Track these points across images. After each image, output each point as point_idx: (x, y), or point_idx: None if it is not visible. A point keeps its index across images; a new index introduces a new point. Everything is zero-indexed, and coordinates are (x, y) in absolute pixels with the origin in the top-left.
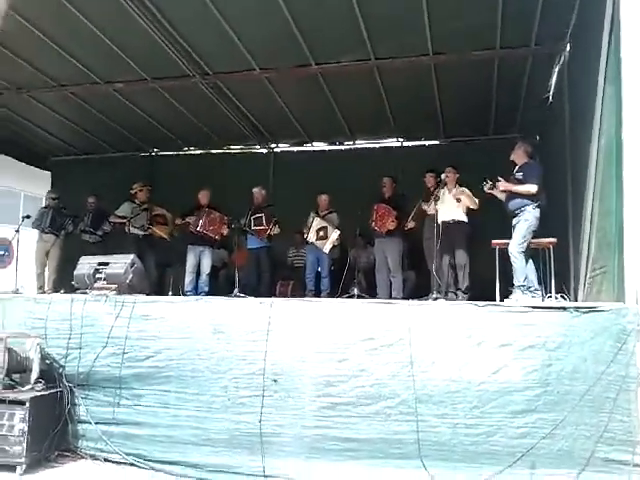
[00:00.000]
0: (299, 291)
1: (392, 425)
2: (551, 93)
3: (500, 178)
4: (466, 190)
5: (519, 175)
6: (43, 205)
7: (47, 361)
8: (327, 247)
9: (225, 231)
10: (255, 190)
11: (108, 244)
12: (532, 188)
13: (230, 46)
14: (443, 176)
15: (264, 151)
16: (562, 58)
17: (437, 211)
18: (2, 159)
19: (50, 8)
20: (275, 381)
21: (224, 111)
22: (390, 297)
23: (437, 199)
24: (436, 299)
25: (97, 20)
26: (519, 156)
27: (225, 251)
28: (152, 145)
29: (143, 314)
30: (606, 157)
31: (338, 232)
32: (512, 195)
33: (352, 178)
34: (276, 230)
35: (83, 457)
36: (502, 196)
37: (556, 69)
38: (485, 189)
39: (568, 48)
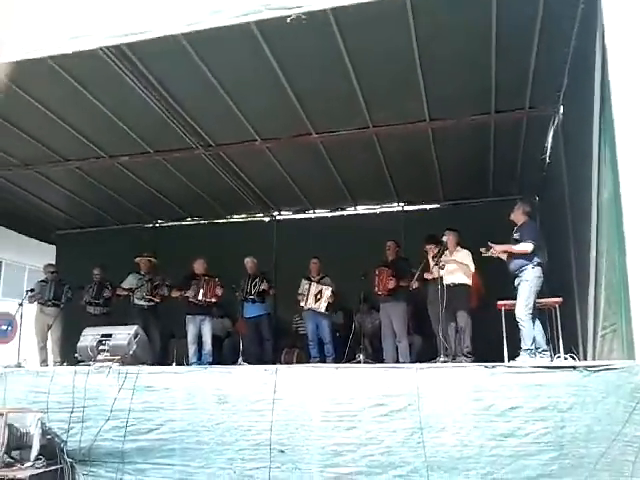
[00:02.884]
0: (304, 359)
1: None
2: (548, 154)
3: (490, 244)
4: (462, 253)
5: (517, 235)
6: (41, 279)
7: (48, 436)
8: (322, 306)
9: (219, 291)
10: (247, 260)
11: (112, 316)
12: (527, 247)
13: (232, 118)
14: (445, 239)
15: (267, 219)
16: (556, 119)
17: (441, 276)
18: (6, 232)
19: (54, 84)
20: (282, 452)
21: (227, 181)
22: (397, 362)
23: (443, 267)
24: (445, 362)
25: (102, 96)
26: (518, 216)
27: (229, 320)
28: (156, 216)
29: (147, 385)
30: (607, 212)
31: (330, 288)
32: (511, 256)
33: (355, 244)
34: (264, 286)
35: None
36: (504, 255)
37: (551, 130)
38: (485, 254)
39: (562, 110)
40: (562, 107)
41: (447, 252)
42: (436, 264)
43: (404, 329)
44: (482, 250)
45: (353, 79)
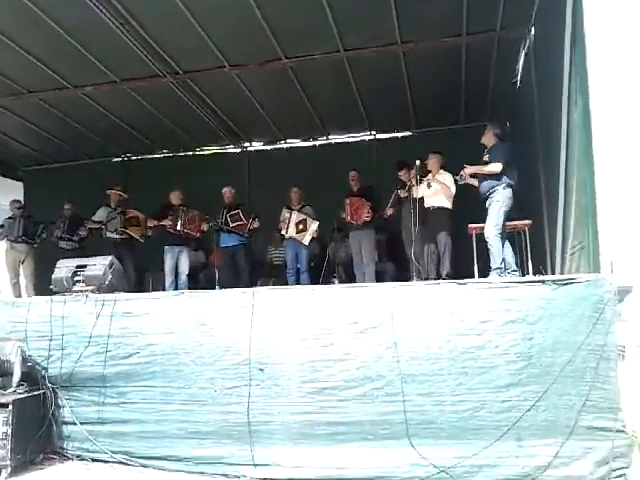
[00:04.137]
0: None
1: (379, 407)
2: (519, 77)
3: (465, 165)
4: (444, 175)
5: (487, 157)
6: (9, 215)
7: (29, 364)
8: (307, 239)
9: (205, 227)
10: (225, 189)
11: (85, 250)
12: (496, 167)
13: (199, 43)
14: (418, 162)
15: (238, 151)
16: (528, 41)
17: (423, 195)
18: None
19: (14, 11)
20: (261, 370)
21: (196, 111)
22: None
23: (430, 186)
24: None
25: (63, 22)
26: (488, 139)
27: (202, 252)
28: (125, 150)
29: (125, 311)
30: (577, 133)
31: (317, 223)
32: (482, 178)
33: (327, 173)
34: (256, 224)
35: (70, 458)
36: (475, 182)
37: (522, 53)
38: (460, 182)
39: (533, 31)
40: (533, 28)
41: (430, 175)
42: (420, 182)
43: (372, 255)
44: (456, 178)
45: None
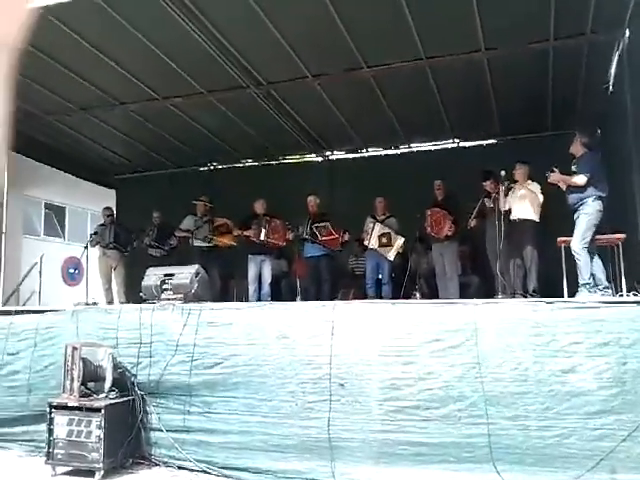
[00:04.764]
0: (361, 299)
1: (462, 428)
2: (611, 83)
3: (554, 169)
4: (532, 185)
5: (574, 167)
6: (100, 222)
7: (119, 370)
8: (392, 254)
9: (291, 236)
10: (310, 198)
11: (173, 258)
12: (580, 180)
13: (281, 54)
14: (503, 173)
15: (320, 159)
16: (621, 45)
17: (511, 206)
18: (69, 179)
19: (107, 27)
20: (342, 385)
21: (279, 121)
22: None
23: (509, 191)
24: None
25: (152, 35)
26: (576, 148)
27: (284, 261)
28: (210, 159)
29: (210, 321)
30: None
31: (403, 239)
32: (571, 189)
33: (409, 182)
34: (346, 237)
35: (157, 464)
36: (564, 186)
37: (615, 57)
38: (549, 180)
39: (627, 34)
40: (628, 31)
41: (517, 185)
42: (506, 193)
43: (455, 268)
44: (547, 174)
45: (404, 7)
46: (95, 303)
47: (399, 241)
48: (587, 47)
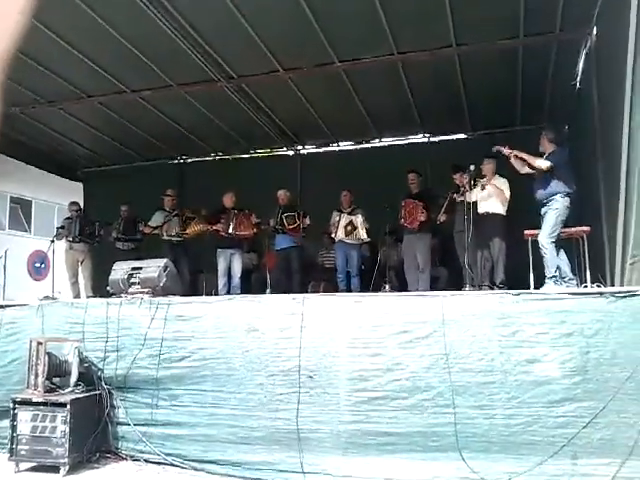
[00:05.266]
0: (331, 291)
1: (429, 418)
2: (578, 80)
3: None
4: (499, 181)
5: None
6: (67, 216)
7: (85, 364)
8: (362, 233)
9: (255, 220)
10: (280, 192)
11: (141, 251)
12: (543, 163)
13: (253, 48)
14: (472, 167)
15: (291, 153)
16: (588, 42)
17: (477, 200)
18: (36, 173)
19: (76, 19)
20: (311, 377)
21: (250, 115)
22: None
23: (484, 188)
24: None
25: (121, 28)
26: (545, 145)
27: (255, 254)
28: (180, 152)
29: (178, 315)
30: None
31: (360, 215)
32: (540, 184)
33: (379, 176)
34: (307, 221)
35: (124, 458)
36: (520, 166)
37: (583, 54)
38: (503, 152)
39: (595, 32)
40: (595, 29)
41: (485, 179)
42: (475, 186)
43: (428, 261)
44: (499, 149)
45: (377, 3)
46: (54, 298)
47: (358, 219)
48: (556, 44)
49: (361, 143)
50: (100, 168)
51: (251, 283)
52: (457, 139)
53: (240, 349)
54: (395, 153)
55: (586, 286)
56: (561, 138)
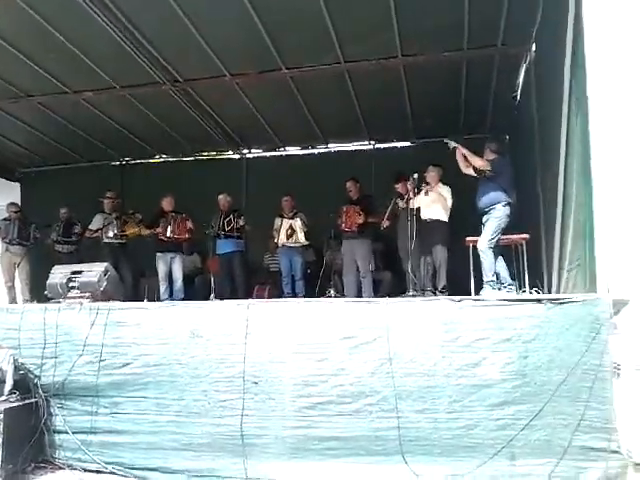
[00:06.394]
0: (276, 295)
1: (373, 422)
2: (519, 92)
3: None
4: (443, 189)
5: (487, 173)
6: (4, 217)
7: (21, 372)
8: (300, 237)
9: (190, 225)
10: (220, 197)
11: (82, 254)
12: (480, 161)
13: (200, 52)
14: (415, 175)
15: (236, 157)
16: (528, 57)
17: (421, 206)
18: None
19: (15, 17)
20: (256, 383)
21: (195, 118)
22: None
23: (427, 193)
24: (413, 297)
25: (63, 28)
26: (488, 156)
27: (198, 256)
28: (123, 154)
29: (119, 321)
30: (576, 149)
31: (299, 219)
32: (482, 193)
33: (325, 182)
34: (241, 222)
35: (61, 467)
36: (462, 163)
37: (523, 68)
38: (450, 144)
39: (534, 47)
40: (534, 44)
41: (428, 187)
42: (418, 192)
43: (368, 265)
44: (446, 141)
45: (324, 12)
46: None
47: (297, 222)
48: (498, 58)
49: (307, 148)
50: (39, 168)
51: (195, 287)
52: (402, 147)
53: (183, 355)
54: (341, 159)
55: (524, 291)
56: (503, 148)
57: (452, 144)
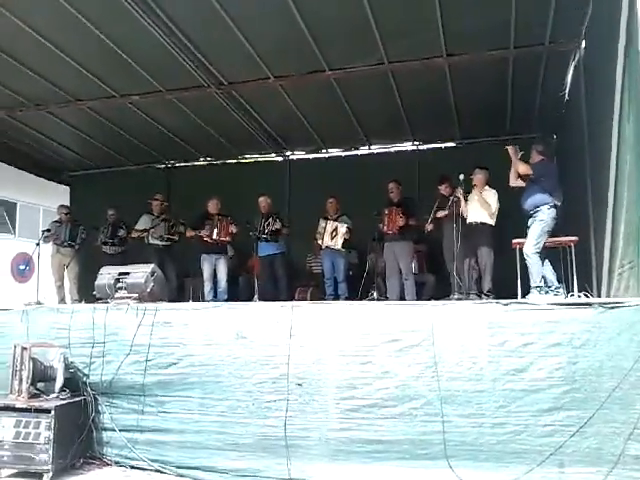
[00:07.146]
0: (318, 297)
1: (418, 426)
2: (567, 91)
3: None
4: (489, 193)
5: (532, 176)
6: (56, 219)
7: (71, 370)
8: (339, 242)
9: (234, 229)
10: (261, 199)
11: (128, 256)
12: (525, 167)
13: (244, 55)
14: (461, 177)
15: (280, 159)
16: (577, 55)
17: (466, 211)
18: (21, 175)
19: (65, 23)
20: (300, 385)
21: (239, 121)
22: (403, 300)
23: (462, 200)
24: (458, 299)
25: (111, 33)
26: (534, 158)
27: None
28: (168, 157)
29: (165, 321)
30: (629, 148)
31: (345, 225)
32: (527, 195)
33: (368, 183)
34: (277, 225)
35: (109, 464)
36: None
37: (572, 66)
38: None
39: (583, 44)
40: (584, 42)
41: (474, 190)
42: (466, 199)
43: (410, 267)
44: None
45: (368, 12)
46: (40, 303)
47: (342, 228)
48: (545, 56)
49: (350, 150)
50: (87, 172)
51: (239, 288)
52: (446, 147)
53: (228, 356)
54: (384, 161)
55: (573, 295)
56: (549, 151)
57: (511, 150)
